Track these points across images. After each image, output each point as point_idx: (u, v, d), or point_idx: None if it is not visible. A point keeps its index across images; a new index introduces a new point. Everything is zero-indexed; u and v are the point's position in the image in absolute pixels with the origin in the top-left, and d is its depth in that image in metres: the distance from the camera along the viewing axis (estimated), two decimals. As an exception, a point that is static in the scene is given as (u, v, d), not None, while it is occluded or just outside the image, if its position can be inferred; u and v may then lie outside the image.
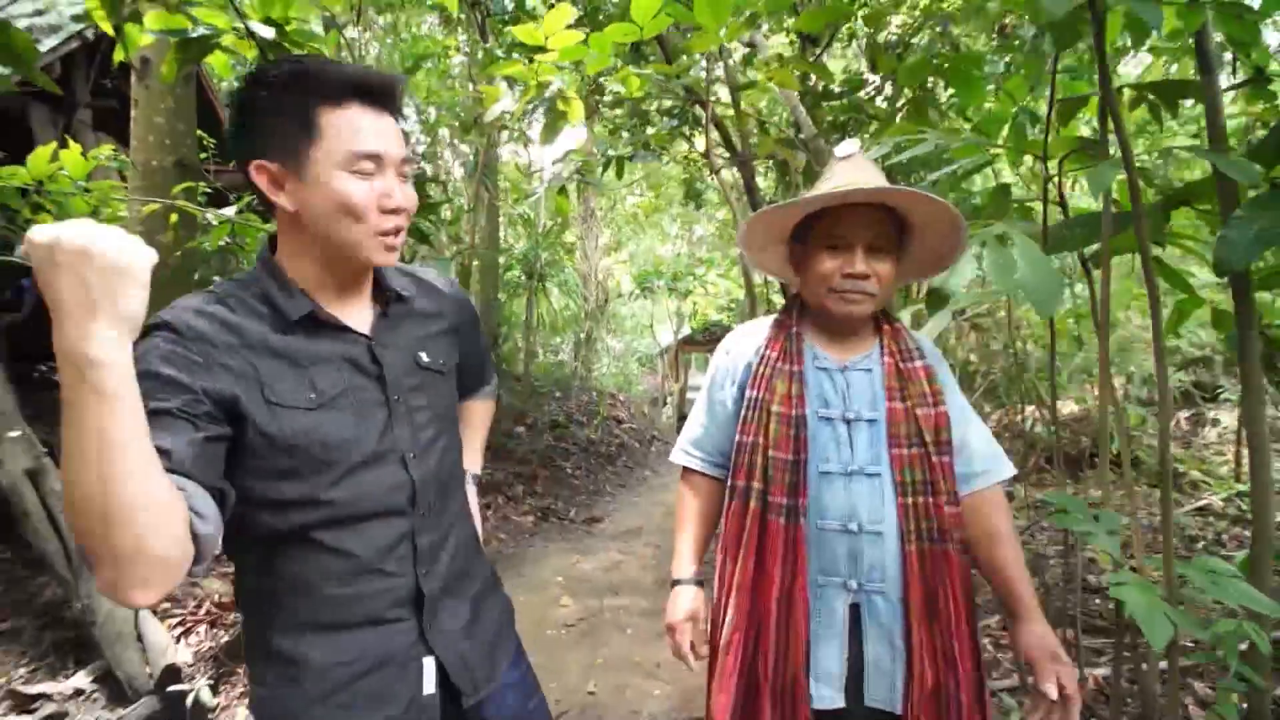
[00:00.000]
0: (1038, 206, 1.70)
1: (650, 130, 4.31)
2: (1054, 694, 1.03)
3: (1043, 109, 1.60)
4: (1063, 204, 1.75)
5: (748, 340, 1.27)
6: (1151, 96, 1.45)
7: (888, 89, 3.59)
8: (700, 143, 4.11)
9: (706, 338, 13.12)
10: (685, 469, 1.34)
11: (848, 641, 1.09)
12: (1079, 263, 1.76)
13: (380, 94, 0.84)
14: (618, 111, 4.52)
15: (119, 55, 2.03)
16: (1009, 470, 1.20)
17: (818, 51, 3.63)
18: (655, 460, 8.73)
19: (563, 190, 3.29)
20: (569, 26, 2.07)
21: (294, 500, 0.81)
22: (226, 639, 2.59)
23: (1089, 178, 1.10)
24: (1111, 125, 1.30)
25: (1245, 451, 4.11)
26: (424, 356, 0.96)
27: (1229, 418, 5.49)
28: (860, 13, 3.21)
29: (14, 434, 2.77)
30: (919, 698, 1.05)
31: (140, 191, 3.70)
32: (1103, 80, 1.23)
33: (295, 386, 0.82)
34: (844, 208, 1.11)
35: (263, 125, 0.81)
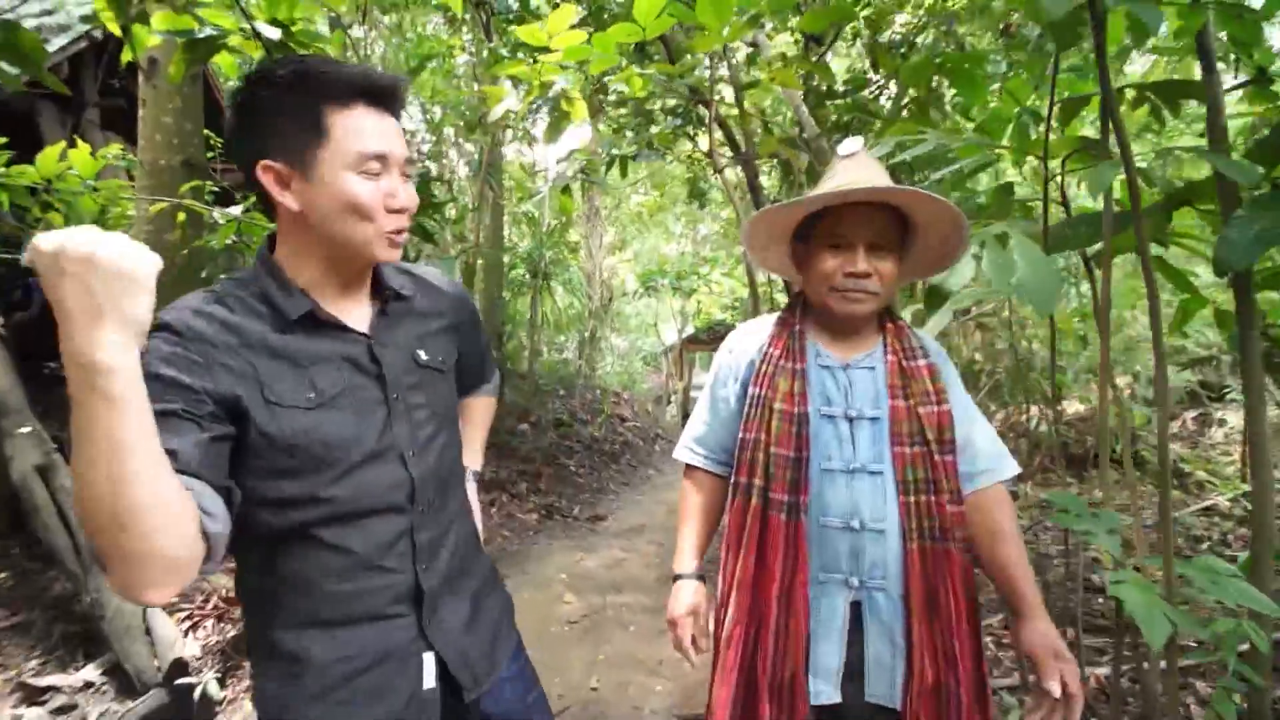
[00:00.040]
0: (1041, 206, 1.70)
1: (654, 129, 4.32)
2: (1057, 692, 1.03)
3: (1046, 108, 1.60)
4: (1065, 203, 1.76)
5: (751, 338, 1.27)
6: (1153, 97, 1.45)
7: (892, 88, 3.58)
8: (704, 142, 4.11)
9: (710, 336, 13.11)
10: (688, 466, 1.35)
11: (847, 638, 1.10)
12: (1082, 262, 1.76)
13: (385, 95, 0.85)
14: (622, 111, 4.52)
15: (127, 56, 2.05)
16: (1013, 469, 1.20)
17: (822, 50, 3.63)
18: (659, 459, 8.75)
19: (566, 189, 3.30)
20: (573, 26, 2.08)
21: (294, 498, 0.82)
22: (233, 633, 2.61)
23: (1088, 178, 1.11)
24: (1112, 125, 1.30)
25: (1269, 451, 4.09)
26: (423, 355, 0.97)
27: (1235, 418, 5.46)
28: (864, 13, 3.21)
29: (24, 430, 2.81)
30: (918, 694, 1.06)
31: (148, 190, 3.73)
32: (1103, 80, 1.23)
33: (295, 386, 0.83)
34: (846, 206, 1.11)
35: (268, 125, 0.81)
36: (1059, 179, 1.66)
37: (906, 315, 1.94)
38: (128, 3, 1.92)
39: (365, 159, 0.82)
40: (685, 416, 11.42)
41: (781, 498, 1.11)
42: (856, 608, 1.10)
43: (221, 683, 2.37)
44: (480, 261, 7.64)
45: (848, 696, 1.10)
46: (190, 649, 2.39)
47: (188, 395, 0.74)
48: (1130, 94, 1.49)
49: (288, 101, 0.81)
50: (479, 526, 1.15)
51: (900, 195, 1.10)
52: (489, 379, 1.29)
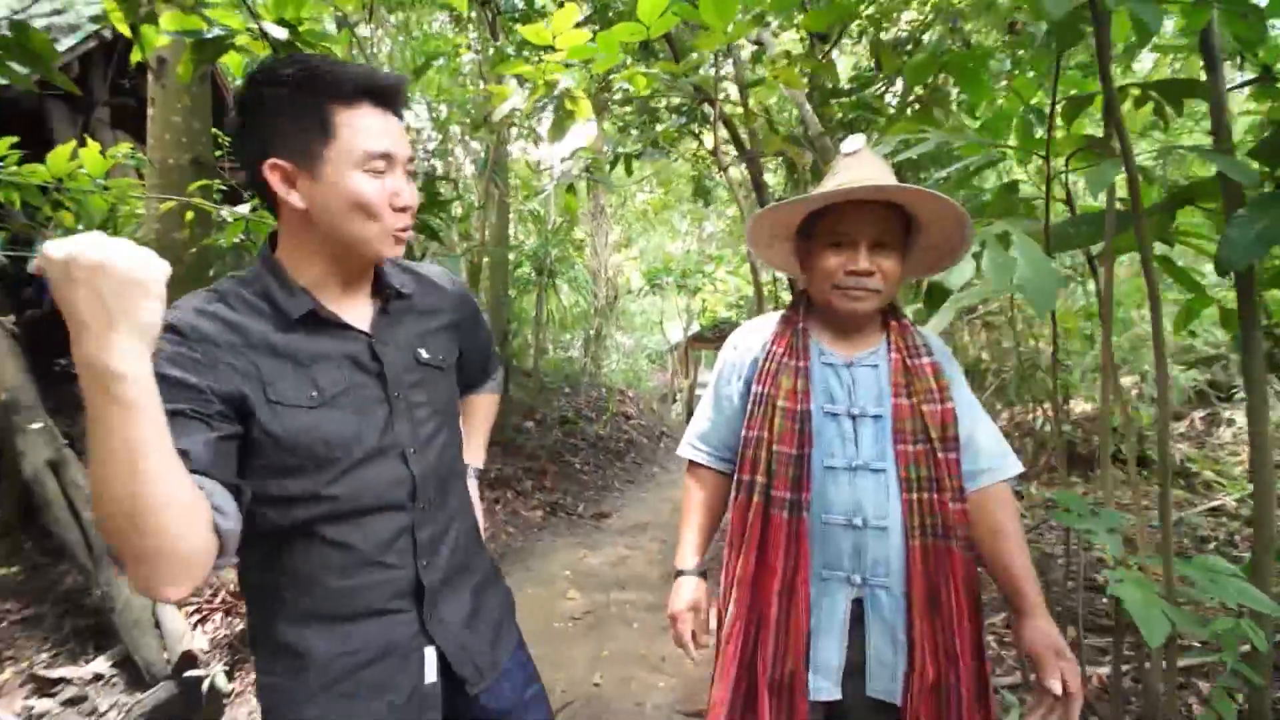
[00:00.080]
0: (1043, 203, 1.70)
1: (659, 128, 4.33)
2: (1058, 690, 1.04)
3: (1049, 107, 1.60)
4: (1070, 202, 1.75)
5: (754, 336, 1.27)
6: (1156, 95, 1.44)
7: (898, 86, 3.58)
8: (709, 140, 4.11)
9: (716, 334, 13.10)
10: (691, 463, 1.35)
11: (848, 635, 1.10)
12: (1087, 261, 1.76)
13: (389, 94, 0.86)
14: (627, 109, 4.53)
15: (136, 56, 2.07)
16: (1016, 468, 1.20)
17: (827, 48, 3.62)
18: (664, 456, 8.76)
19: (571, 188, 3.31)
20: (578, 24, 2.09)
21: (296, 496, 0.82)
22: (241, 627, 2.64)
23: (1088, 177, 1.11)
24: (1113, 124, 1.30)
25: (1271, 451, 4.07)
26: (424, 353, 0.97)
27: (1244, 418, 5.41)
28: (868, 11, 3.20)
29: (36, 426, 2.84)
30: (919, 691, 1.06)
31: (157, 189, 3.76)
32: (1104, 79, 1.23)
33: (297, 385, 0.83)
34: (848, 204, 1.11)
35: (274, 124, 0.82)
36: (1064, 178, 1.65)
37: (909, 313, 1.94)
38: (137, 3, 1.94)
39: (371, 157, 0.83)
40: (690, 414, 11.40)
41: (784, 495, 1.11)
42: (858, 605, 1.10)
43: (229, 675, 2.39)
44: (486, 259, 7.66)
45: (848, 693, 1.10)
46: (199, 642, 2.42)
47: (195, 395, 0.74)
48: (1134, 93, 1.49)
49: (294, 101, 0.81)
50: (480, 523, 1.16)
51: (902, 194, 1.09)
52: (492, 376, 1.30)
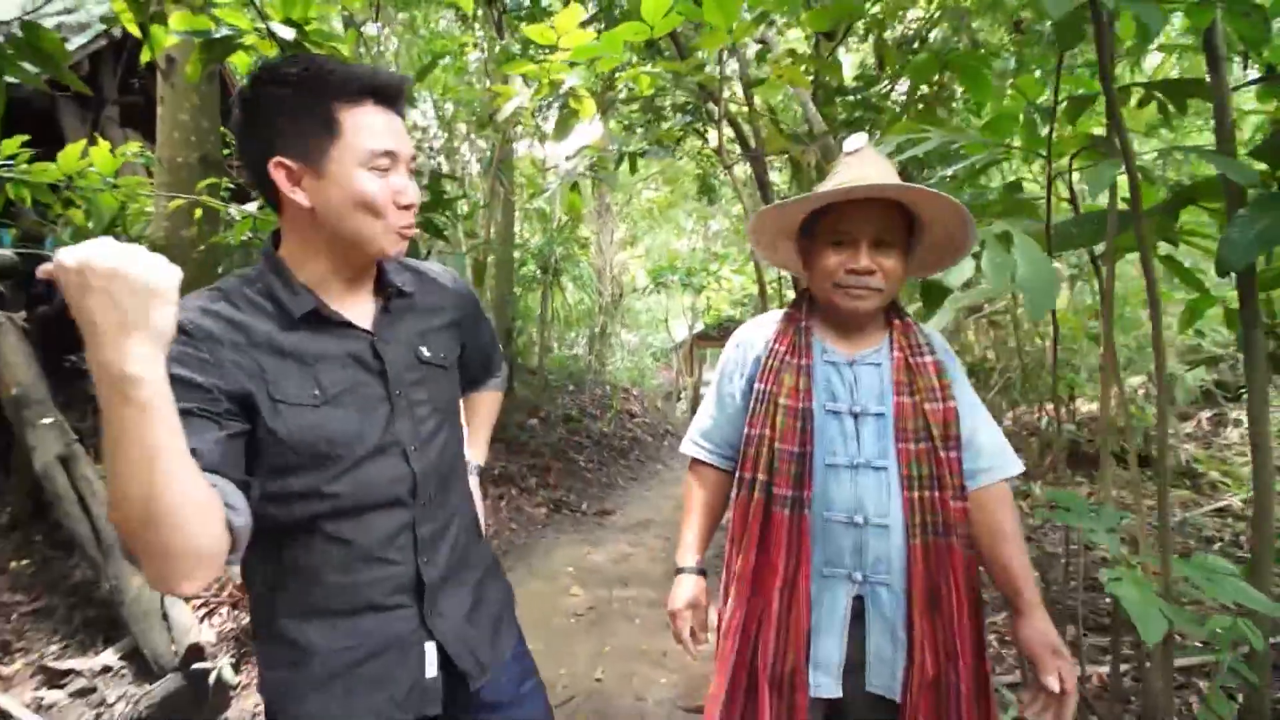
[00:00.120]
0: (1052, 203, 1.70)
1: (664, 126, 4.33)
2: (1055, 687, 1.05)
3: (1052, 106, 1.59)
4: (1074, 201, 1.75)
5: (757, 334, 1.28)
6: (1160, 95, 1.44)
7: (903, 84, 3.57)
8: (714, 138, 4.11)
9: (721, 333, 13.11)
10: (694, 460, 1.36)
11: (848, 632, 1.11)
12: (1090, 261, 1.76)
13: (391, 93, 0.87)
14: (632, 107, 4.54)
15: (146, 55, 2.10)
16: (1016, 467, 1.20)
17: (832, 46, 3.62)
18: (668, 454, 8.76)
19: (575, 187, 3.32)
20: (584, 22, 2.10)
21: (298, 493, 0.83)
22: (247, 620, 2.67)
23: (1088, 177, 1.11)
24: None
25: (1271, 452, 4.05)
26: (425, 351, 0.98)
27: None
28: (873, 10, 3.20)
29: (46, 421, 2.88)
30: (918, 687, 1.07)
31: (165, 187, 3.80)
32: (1104, 79, 1.23)
33: (300, 384, 0.84)
34: (850, 203, 1.11)
35: (279, 123, 0.82)
36: (1068, 177, 1.65)
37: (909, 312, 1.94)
38: (146, 3, 1.96)
39: (376, 156, 0.83)
40: (695, 412, 11.39)
41: (785, 493, 1.12)
42: (859, 602, 1.11)
43: (236, 668, 2.42)
44: (491, 258, 7.68)
45: (848, 689, 1.11)
46: (206, 635, 2.44)
47: (202, 394, 0.76)
48: (1137, 92, 1.49)
49: (299, 100, 0.82)
50: (481, 519, 1.16)
51: (904, 193, 1.09)
52: (495, 373, 1.30)
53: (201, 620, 2.59)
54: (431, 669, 0.93)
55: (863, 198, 1.10)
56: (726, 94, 3.27)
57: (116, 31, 5.40)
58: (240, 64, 2.15)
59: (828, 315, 1.21)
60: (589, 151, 3.26)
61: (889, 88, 3.57)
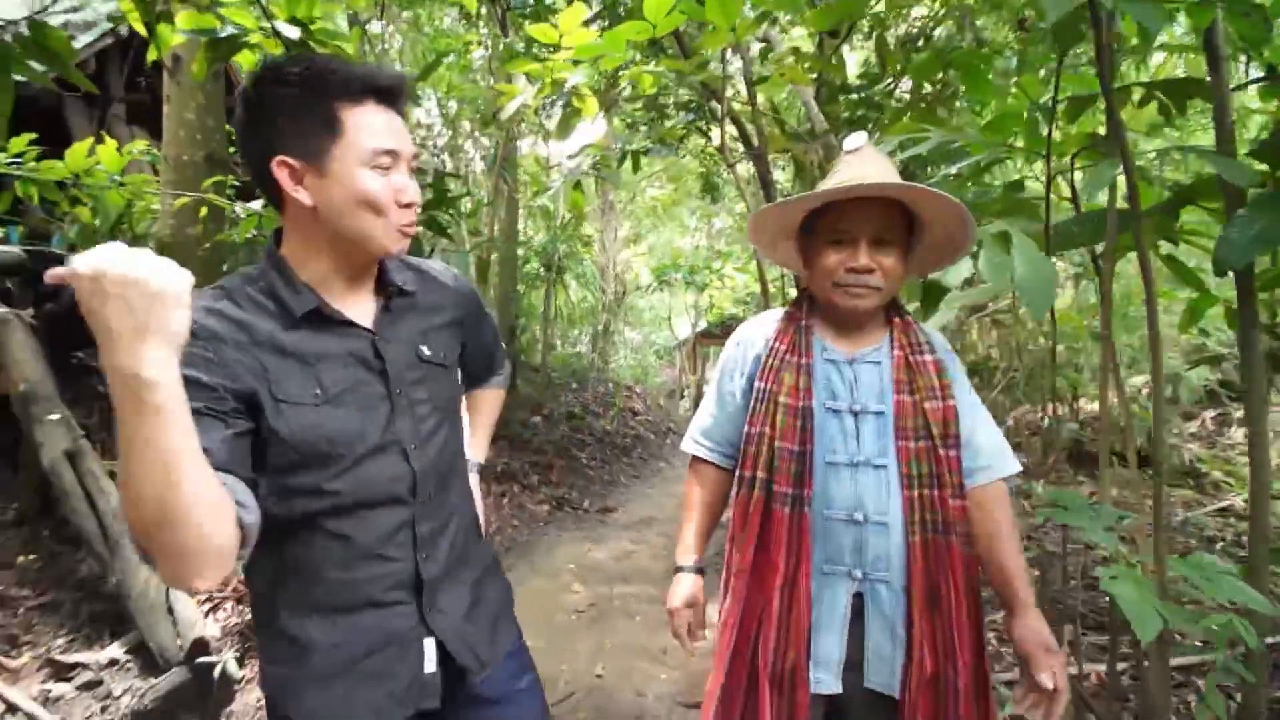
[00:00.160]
0: (1053, 202, 1.70)
1: (668, 124, 4.33)
2: (1050, 685, 1.07)
3: (1054, 105, 1.60)
4: (1075, 201, 1.75)
5: (757, 332, 1.28)
6: (1160, 95, 1.44)
7: (907, 83, 3.56)
8: (717, 136, 4.12)
9: (724, 331, 13.09)
10: (694, 458, 1.36)
11: (848, 629, 1.11)
12: (1091, 260, 1.76)
13: (392, 92, 0.88)
14: (636, 105, 4.54)
15: (152, 54, 2.11)
16: (1014, 466, 1.21)
17: (836, 44, 3.62)
18: (670, 452, 8.77)
19: (578, 185, 3.33)
20: (588, 20, 2.11)
21: (299, 490, 0.84)
22: (251, 615, 2.69)
23: (1087, 177, 1.11)
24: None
25: (1271, 450, 4.04)
26: (425, 350, 0.98)
27: (1256, 418, 5.36)
28: (876, 8, 3.19)
29: (54, 417, 2.90)
30: (917, 684, 1.07)
31: (171, 185, 3.82)
32: (1102, 79, 1.24)
33: (301, 383, 0.85)
34: (849, 202, 1.11)
35: (281, 122, 0.83)
36: (1070, 176, 1.65)
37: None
38: (152, 2, 1.98)
39: (378, 154, 0.84)
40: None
41: (785, 491, 1.12)
42: (858, 600, 1.11)
43: (240, 662, 2.44)
44: (495, 255, 7.70)
45: (847, 686, 1.12)
46: (211, 629, 2.46)
47: (209, 394, 0.76)
48: (1138, 92, 1.49)
49: (301, 99, 0.82)
50: (481, 517, 1.17)
51: (903, 192, 1.10)
52: (498, 371, 1.30)
53: (206, 615, 2.62)
54: (430, 664, 0.94)
55: (862, 196, 1.10)
56: (730, 92, 3.27)
57: (123, 29, 5.43)
58: (245, 63, 2.16)
59: (828, 314, 1.22)
60: (592, 150, 3.27)
61: (892, 86, 3.57)
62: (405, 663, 0.92)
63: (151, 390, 0.60)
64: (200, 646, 2.32)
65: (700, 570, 1.32)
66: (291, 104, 0.83)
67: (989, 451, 1.19)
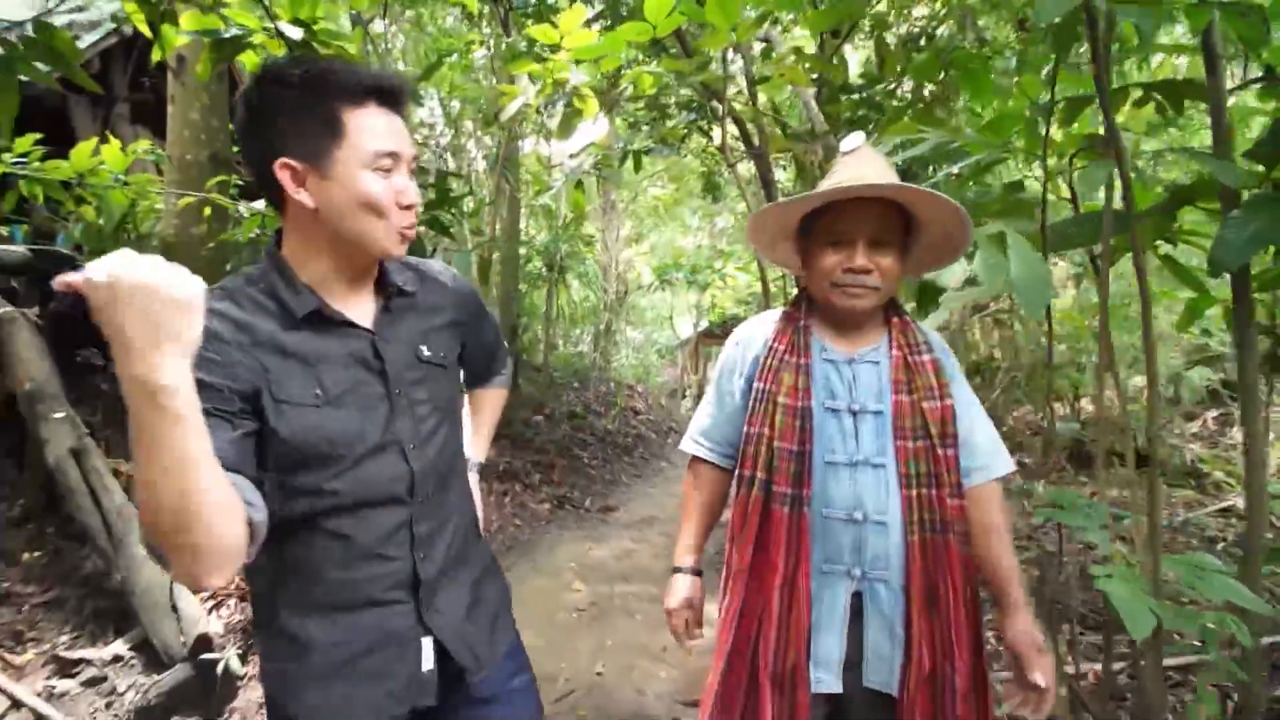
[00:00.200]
0: (1052, 202, 1.70)
1: (669, 124, 4.34)
2: (1043, 683, 1.09)
3: (1053, 106, 1.60)
4: (1074, 201, 1.75)
5: (756, 332, 1.28)
6: (1157, 96, 1.45)
7: (908, 83, 3.56)
8: (718, 136, 4.12)
9: (725, 331, 13.01)
10: (693, 458, 1.36)
11: (848, 628, 1.12)
12: (1089, 261, 1.76)
13: (394, 95, 0.88)
14: (638, 104, 4.55)
15: (156, 54, 2.13)
16: (1008, 466, 1.22)
17: (838, 43, 3.62)
18: (671, 451, 8.77)
19: (579, 184, 3.34)
20: (590, 20, 2.12)
21: (300, 490, 0.85)
22: (252, 613, 2.70)
23: (1081, 178, 1.12)
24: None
25: (1272, 451, 4.04)
26: (425, 350, 0.98)
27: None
28: (876, 7, 3.19)
29: (59, 415, 2.93)
30: (915, 682, 1.08)
31: (176, 184, 3.84)
32: (1098, 81, 1.24)
33: (302, 384, 0.85)
34: (847, 202, 1.12)
35: (284, 124, 0.83)
36: (1068, 176, 1.66)
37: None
38: (157, 2, 1.99)
39: (379, 157, 0.85)
40: (699, 410, 11.37)
41: (785, 490, 1.13)
42: (857, 599, 1.12)
43: (243, 659, 2.46)
44: (497, 255, 7.71)
45: (847, 685, 1.12)
46: (214, 626, 2.48)
47: (215, 395, 0.77)
48: (1135, 93, 1.49)
49: (303, 101, 0.82)
50: (480, 517, 1.17)
51: (899, 192, 1.10)
52: (500, 371, 1.31)
53: (210, 612, 2.63)
54: (428, 663, 0.94)
55: (859, 197, 1.11)
56: (731, 92, 3.28)
57: (127, 29, 5.46)
58: (249, 63, 2.18)
59: (826, 314, 1.22)
60: (594, 149, 3.28)
61: (894, 86, 3.57)
62: (404, 662, 0.92)
63: (168, 396, 0.61)
64: (203, 643, 2.33)
65: (698, 571, 1.33)
66: (293, 106, 0.83)
67: (985, 451, 1.20)
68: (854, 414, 1.15)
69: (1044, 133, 1.48)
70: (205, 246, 3.83)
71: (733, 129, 3.85)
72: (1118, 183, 1.31)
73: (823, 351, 1.20)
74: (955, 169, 2.13)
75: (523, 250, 8.95)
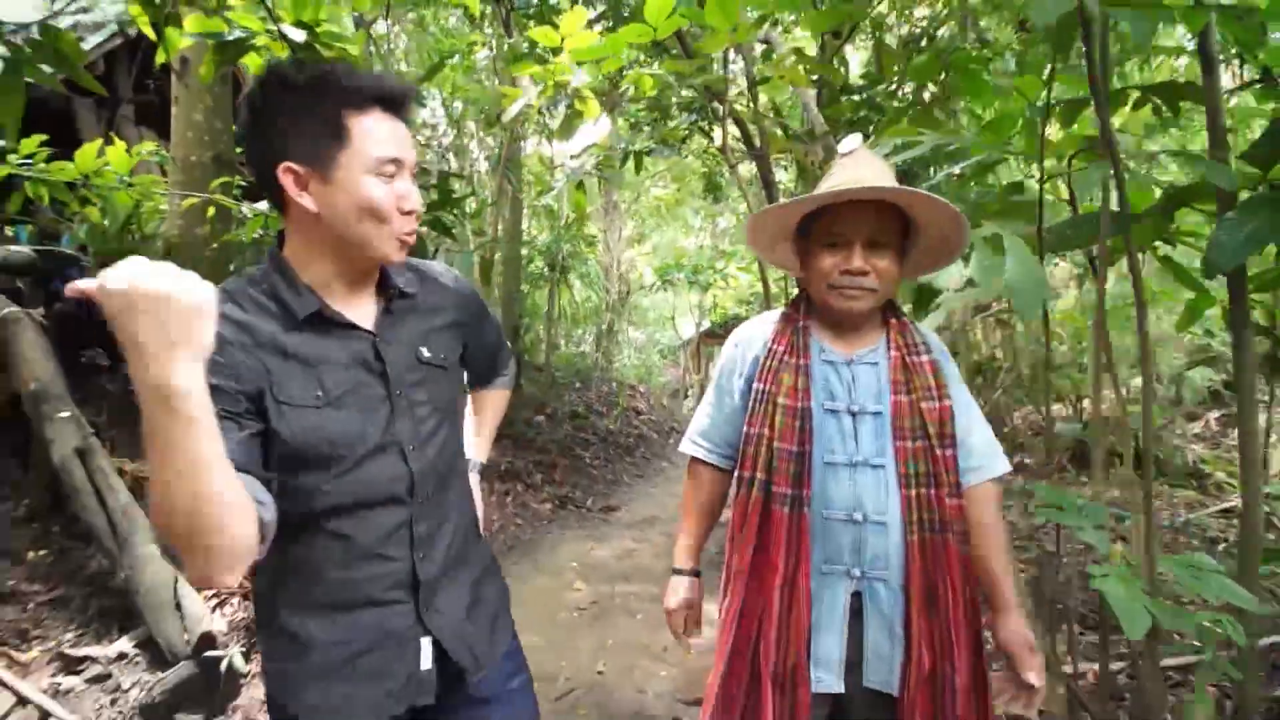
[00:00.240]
0: (1052, 203, 1.70)
1: (670, 125, 4.35)
2: (1037, 682, 1.10)
3: (1054, 107, 1.60)
4: (1073, 202, 1.76)
5: (755, 334, 1.29)
6: (1155, 98, 1.45)
7: (909, 84, 3.57)
8: (719, 137, 4.13)
9: (727, 331, 12.99)
10: (693, 459, 1.37)
11: (848, 628, 1.12)
12: (1088, 262, 1.77)
13: (398, 101, 0.89)
14: (639, 105, 4.56)
15: (161, 57, 2.15)
16: (1004, 466, 1.23)
17: (839, 44, 3.63)
18: (673, 452, 8.77)
19: (580, 185, 3.35)
20: (592, 21, 2.14)
21: (301, 490, 0.85)
22: (253, 611, 2.72)
23: (1076, 180, 1.13)
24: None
25: (1273, 453, 4.04)
26: (425, 352, 0.99)
27: (1262, 418, 5.35)
28: (878, 7, 3.20)
29: (64, 415, 2.95)
30: (915, 681, 1.09)
31: (179, 185, 3.86)
32: (1092, 83, 1.25)
33: (303, 386, 0.86)
34: (843, 205, 1.12)
35: (287, 128, 0.83)
36: (1067, 178, 1.66)
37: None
38: (161, 5, 2.01)
39: (383, 163, 0.85)
40: (701, 410, 11.37)
41: (784, 491, 1.13)
42: (856, 599, 1.13)
43: (246, 657, 2.47)
44: (499, 255, 7.73)
45: (848, 685, 1.13)
46: (217, 624, 2.49)
47: (222, 396, 0.77)
48: (1133, 95, 1.50)
49: (308, 106, 0.83)
50: (481, 517, 1.18)
51: (894, 195, 1.11)
52: (502, 371, 1.31)
53: (213, 610, 2.65)
54: (426, 662, 0.95)
55: (856, 199, 1.11)
56: (732, 93, 3.29)
57: (131, 31, 5.48)
58: (253, 65, 2.19)
59: (825, 315, 1.22)
60: (595, 150, 3.29)
61: (894, 87, 3.57)
62: (403, 661, 0.93)
63: (183, 400, 0.62)
64: (207, 641, 2.35)
65: (697, 573, 1.34)
66: (298, 110, 0.83)
67: (981, 451, 1.21)
68: (853, 415, 1.15)
69: (1040, 134, 1.49)
70: (209, 247, 3.85)
71: (734, 130, 3.86)
72: (1111, 184, 1.32)
73: (821, 352, 1.20)
74: (957, 169, 2.14)
75: (525, 250, 8.97)
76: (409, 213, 0.90)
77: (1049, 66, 1.46)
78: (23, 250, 3.73)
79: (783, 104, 4.83)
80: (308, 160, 0.84)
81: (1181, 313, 1.98)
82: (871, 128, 3.13)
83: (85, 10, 5.76)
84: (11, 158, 2.68)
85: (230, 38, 2.02)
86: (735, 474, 1.23)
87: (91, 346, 3.64)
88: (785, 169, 6.14)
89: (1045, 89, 1.45)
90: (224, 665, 2.33)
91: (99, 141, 2.88)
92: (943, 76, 2.55)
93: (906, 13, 3.65)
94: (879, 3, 3.19)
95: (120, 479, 2.89)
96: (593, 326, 11.99)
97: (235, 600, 2.79)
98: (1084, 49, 1.20)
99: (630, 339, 14.64)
